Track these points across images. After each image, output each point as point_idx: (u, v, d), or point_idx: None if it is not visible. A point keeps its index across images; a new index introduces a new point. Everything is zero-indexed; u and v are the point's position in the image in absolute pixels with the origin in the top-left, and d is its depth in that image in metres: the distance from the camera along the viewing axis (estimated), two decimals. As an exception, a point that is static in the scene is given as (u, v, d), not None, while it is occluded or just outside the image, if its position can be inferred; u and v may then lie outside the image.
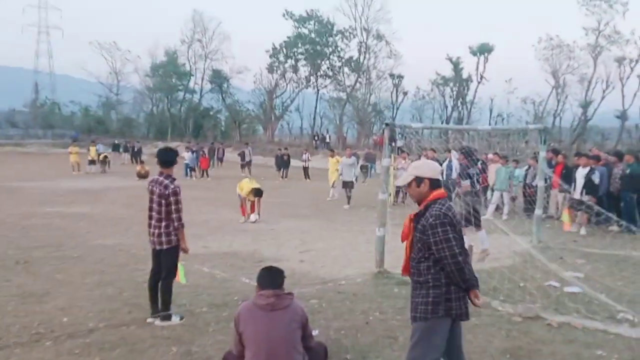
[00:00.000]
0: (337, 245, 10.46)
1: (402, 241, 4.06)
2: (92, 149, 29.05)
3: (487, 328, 5.74)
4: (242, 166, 29.16)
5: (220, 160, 34.19)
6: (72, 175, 26.47)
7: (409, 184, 3.86)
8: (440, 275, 3.66)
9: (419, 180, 3.80)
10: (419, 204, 3.86)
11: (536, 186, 11.26)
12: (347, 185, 17.05)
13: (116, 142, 41.42)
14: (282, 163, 28.27)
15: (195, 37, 61.80)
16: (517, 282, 7.36)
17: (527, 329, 5.71)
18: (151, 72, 63.65)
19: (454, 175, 13.51)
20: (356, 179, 18.16)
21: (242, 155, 29.67)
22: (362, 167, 18.24)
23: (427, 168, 3.87)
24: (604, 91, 43.93)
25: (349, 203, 16.73)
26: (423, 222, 3.70)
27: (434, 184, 3.80)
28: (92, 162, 28.61)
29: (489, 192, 14.70)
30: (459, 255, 3.60)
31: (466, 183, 9.01)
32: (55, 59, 78.24)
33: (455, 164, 15.69)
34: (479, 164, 10.13)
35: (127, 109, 69.89)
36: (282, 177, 27.51)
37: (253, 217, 13.10)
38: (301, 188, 22.70)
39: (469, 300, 3.78)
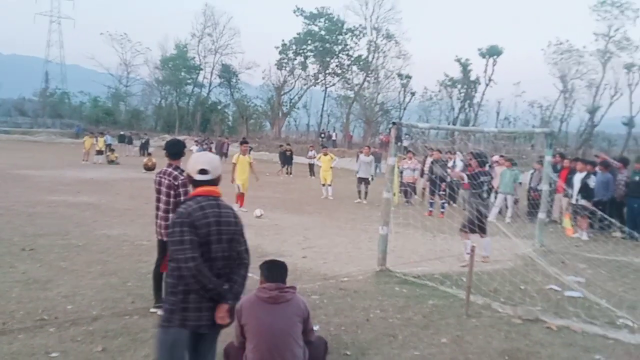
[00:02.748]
0: (339, 243, 10.50)
1: None
2: (100, 140, 29.31)
3: (487, 329, 5.77)
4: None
5: (225, 154, 34.30)
6: (79, 164, 26.69)
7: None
8: (179, 281, 3.31)
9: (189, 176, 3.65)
10: None
11: (541, 190, 11.28)
12: (363, 181, 17.42)
13: (122, 133, 41.62)
14: (285, 159, 28.32)
15: (205, 32, 62.14)
16: (518, 284, 7.39)
17: (526, 331, 5.74)
18: (161, 64, 63.92)
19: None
20: (372, 178, 18.22)
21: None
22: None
23: (189, 165, 3.63)
24: (612, 97, 43.81)
25: (362, 198, 17.22)
26: None
27: (195, 182, 3.57)
28: (99, 152, 28.83)
29: (492, 195, 14.70)
30: (192, 260, 3.23)
31: (459, 173, 8.98)
32: (66, 48, 78.75)
33: (459, 165, 15.74)
34: (487, 167, 10.12)
35: (136, 101, 70.28)
36: (287, 173, 27.56)
37: (258, 212, 13.15)
38: (306, 185, 22.76)
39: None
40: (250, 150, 16.48)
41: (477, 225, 8.78)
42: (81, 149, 30.51)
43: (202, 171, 3.55)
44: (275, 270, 4.14)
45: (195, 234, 3.30)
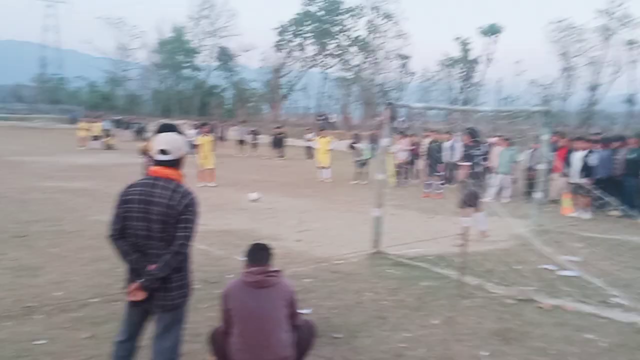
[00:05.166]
0: (335, 225, 10.45)
1: None
2: (97, 125, 29.19)
3: (479, 310, 5.73)
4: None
5: (222, 138, 34.12)
6: (76, 150, 26.60)
7: None
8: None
9: None
10: None
11: (538, 169, 11.19)
12: (363, 163, 17.55)
13: (118, 118, 41.44)
14: (277, 142, 28.17)
15: (202, 14, 61.48)
16: (512, 265, 7.34)
17: (518, 312, 5.69)
18: (158, 48, 63.41)
19: (457, 157, 13.46)
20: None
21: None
22: (351, 147, 18.33)
23: (153, 144, 3.66)
24: (613, 75, 43.50)
25: (361, 179, 17.22)
26: None
27: (155, 161, 3.59)
28: (96, 138, 28.71)
29: (491, 175, 14.59)
30: (111, 231, 3.51)
31: (465, 165, 8.95)
32: (62, 33, 78.15)
33: (458, 146, 15.63)
34: (484, 146, 10.06)
35: (134, 86, 69.84)
36: (280, 156, 27.33)
37: (253, 195, 13.09)
38: (303, 168, 22.66)
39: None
40: (211, 131, 18.28)
41: (472, 200, 8.79)
42: (77, 135, 30.31)
43: (162, 151, 3.53)
44: (259, 254, 4.07)
45: (120, 208, 3.50)
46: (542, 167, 10.92)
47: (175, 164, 3.56)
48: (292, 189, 15.73)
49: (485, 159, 9.29)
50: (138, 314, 3.65)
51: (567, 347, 4.84)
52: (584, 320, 5.49)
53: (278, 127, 30.43)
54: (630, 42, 42.05)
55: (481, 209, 9.09)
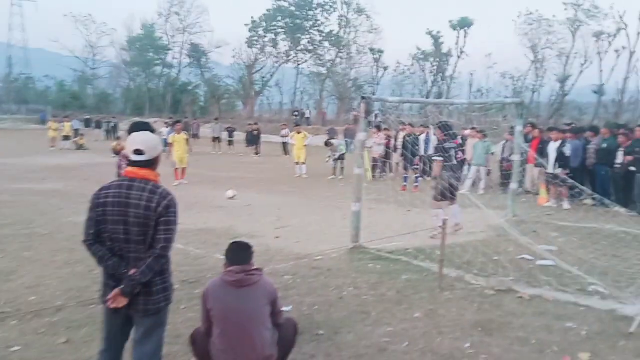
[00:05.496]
0: (313, 221, 10.41)
1: None
2: (67, 125, 28.63)
3: (460, 301, 5.75)
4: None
5: (195, 136, 33.78)
6: (46, 151, 26.04)
7: None
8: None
9: None
10: None
11: (512, 161, 11.31)
12: (339, 158, 17.48)
13: (88, 117, 40.73)
14: (253, 139, 27.98)
15: (172, 10, 60.62)
16: (491, 255, 7.40)
17: (499, 302, 5.73)
18: (128, 45, 62.38)
19: (431, 150, 13.54)
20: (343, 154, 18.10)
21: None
22: (327, 144, 18.20)
23: (127, 144, 3.56)
24: (581, 66, 44.25)
25: (337, 174, 17.27)
26: None
27: (130, 162, 3.47)
28: (66, 138, 28.17)
29: (466, 167, 14.71)
30: (85, 236, 3.40)
31: (439, 160, 8.99)
32: (29, 32, 76.25)
33: (433, 139, 15.72)
34: (459, 139, 10.09)
35: (104, 84, 68.62)
36: (255, 153, 27.11)
37: (230, 193, 12.98)
38: (280, 164, 22.56)
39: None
40: (185, 129, 18.15)
41: (448, 193, 8.84)
42: (47, 135, 29.67)
43: (137, 151, 3.41)
44: (239, 253, 4.00)
45: (94, 211, 3.38)
46: (516, 158, 11.04)
47: (150, 164, 3.45)
48: (269, 185, 15.63)
49: (458, 152, 9.33)
50: (119, 320, 3.51)
51: (547, 336, 4.88)
52: (564, 309, 5.54)
53: (253, 124, 30.20)
54: (598, 34, 42.79)
55: (455, 202, 9.14)
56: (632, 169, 11.63)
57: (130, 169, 3.43)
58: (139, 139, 3.47)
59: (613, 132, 13.00)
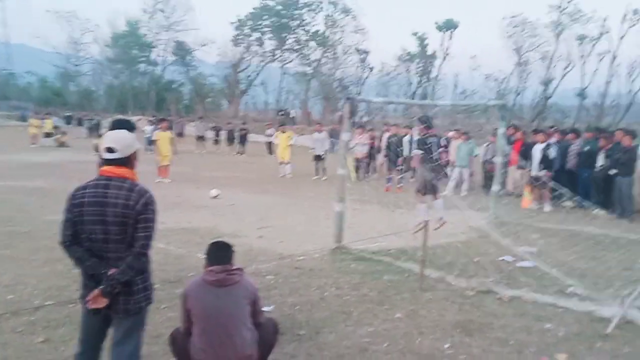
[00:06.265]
0: (297, 221, 10.40)
1: None
2: (48, 122, 28.28)
3: (440, 302, 5.79)
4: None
5: (180, 134, 33.53)
6: (28, 148, 25.69)
7: None
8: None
9: None
10: None
11: (495, 162, 11.40)
12: (318, 159, 17.56)
13: (69, 114, 40.27)
14: (239, 139, 27.86)
15: (157, 7, 60.21)
16: (472, 257, 7.45)
17: (479, 303, 5.78)
18: (111, 42, 61.81)
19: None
20: (326, 153, 18.12)
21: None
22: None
23: (101, 142, 3.53)
24: (564, 69, 44.78)
25: (319, 174, 17.34)
26: None
27: (103, 160, 3.45)
28: (48, 135, 27.81)
29: (449, 169, 14.80)
30: (62, 237, 3.35)
31: (418, 153, 9.05)
32: (10, 27, 75.22)
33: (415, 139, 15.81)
34: (443, 140, 10.16)
35: (87, 81, 67.94)
36: (238, 152, 27.00)
37: (214, 192, 12.92)
38: (264, 164, 22.51)
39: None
40: (169, 127, 17.84)
41: (430, 187, 8.90)
42: (28, 132, 29.28)
43: (109, 149, 3.36)
44: (220, 253, 3.98)
45: (71, 212, 3.32)
46: (499, 160, 11.13)
47: (125, 162, 3.39)
48: (253, 185, 15.59)
49: (439, 147, 9.40)
50: (98, 321, 3.46)
51: (526, 337, 4.93)
52: (543, 310, 5.61)
53: (242, 124, 30.15)
54: (581, 37, 43.34)
55: (439, 197, 9.20)
56: (614, 171, 11.71)
57: (106, 167, 3.38)
58: (112, 137, 3.43)
59: (595, 135, 13.16)
